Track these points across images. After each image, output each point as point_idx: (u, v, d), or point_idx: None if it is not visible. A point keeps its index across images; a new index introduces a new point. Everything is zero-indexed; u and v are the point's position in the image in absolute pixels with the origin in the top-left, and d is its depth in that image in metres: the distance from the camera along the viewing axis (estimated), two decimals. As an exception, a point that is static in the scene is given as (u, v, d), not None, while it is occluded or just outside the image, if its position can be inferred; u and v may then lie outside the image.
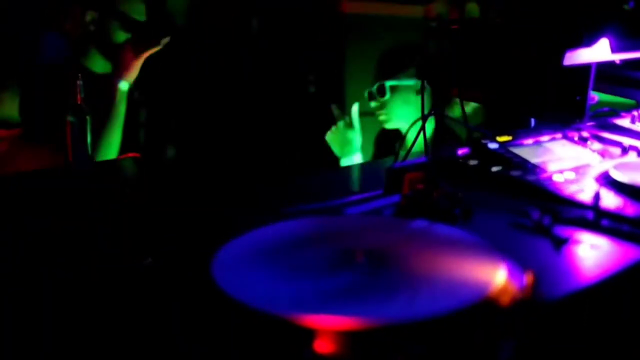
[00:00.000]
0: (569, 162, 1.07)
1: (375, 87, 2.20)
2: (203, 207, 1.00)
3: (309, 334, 0.59)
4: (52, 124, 1.72)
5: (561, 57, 1.08)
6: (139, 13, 2.08)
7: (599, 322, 0.76)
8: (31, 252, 0.83)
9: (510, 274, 0.69)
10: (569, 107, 1.17)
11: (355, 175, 1.44)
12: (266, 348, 0.60)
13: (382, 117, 2.22)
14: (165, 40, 2.01)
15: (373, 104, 2.22)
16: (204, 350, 0.60)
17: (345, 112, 2.27)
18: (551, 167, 1.04)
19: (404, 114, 2.23)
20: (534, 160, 1.06)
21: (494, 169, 1.03)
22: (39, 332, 0.63)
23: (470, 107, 1.79)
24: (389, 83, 2.19)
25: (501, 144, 1.11)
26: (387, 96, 2.19)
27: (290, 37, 3.36)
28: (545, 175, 1.01)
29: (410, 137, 2.31)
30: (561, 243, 0.82)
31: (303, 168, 2.77)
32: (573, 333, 0.73)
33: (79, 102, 1.31)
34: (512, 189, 0.99)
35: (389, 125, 2.25)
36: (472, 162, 1.06)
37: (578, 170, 1.04)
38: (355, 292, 0.67)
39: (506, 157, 1.07)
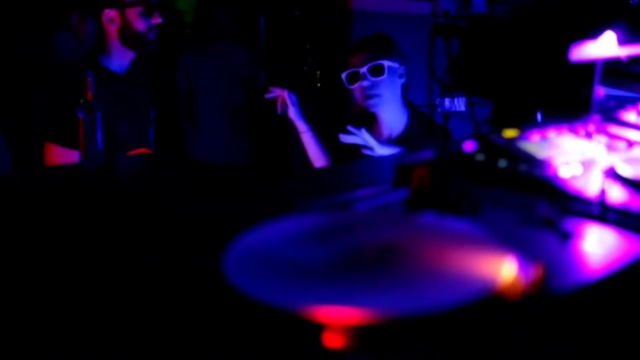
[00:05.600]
0: (576, 157, 1.08)
1: (367, 68, 2.20)
2: (214, 202, 1.01)
3: (318, 328, 0.60)
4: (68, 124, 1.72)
5: (567, 51, 1.09)
6: None
7: (608, 315, 0.77)
8: (38, 249, 0.84)
9: (519, 267, 0.70)
10: (575, 101, 1.17)
11: (363, 169, 1.45)
12: (276, 342, 0.60)
13: (372, 100, 2.23)
14: None
15: (364, 84, 2.22)
16: (214, 344, 0.61)
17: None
18: (558, 162, 1.05)
19: (390, 97, 2.24)
20: (540, 154, 1.07)
21: (501, 164, 1.04)
22: (45, 332, 0.64)
23: None
24: (387, 63, 2.20)
25: (508, 139, 1.12)
26: (384, 76, 2.19)
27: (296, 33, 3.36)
28: (551, 169, 1.02)
29: (386, 122, 2.31)
30: (568, 237, 0.82)
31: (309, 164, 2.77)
32: (583, 326, 0.74)
33: (89, 99, 1.33)
34: (519, 184, 0.99)
35: (375, 108, 2.26)
36: (479, 157, 1.06)
37: (584, 164, 1.05)
38: (364, 285, 0.67)
39: (513, 152, 1.07)
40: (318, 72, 3.12)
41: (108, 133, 1.88)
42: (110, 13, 2.09)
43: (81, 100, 1.32)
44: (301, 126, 2.34)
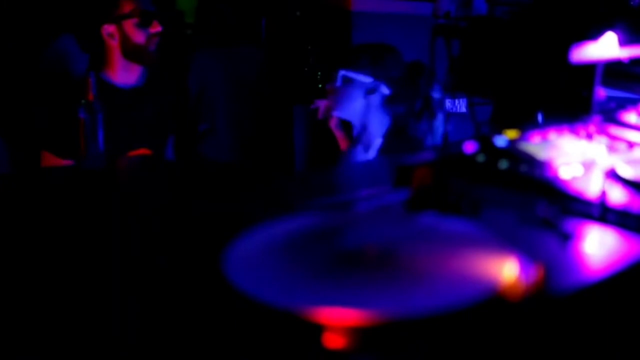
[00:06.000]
0: (576, 158, 1.08)
1: (337, 73, 2.29)
2: (215, 202, 1.01)
3: (319, 329, 0.60)
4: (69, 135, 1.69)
5: (568, 52, 1.09)
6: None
7: (608, 316, 0.77)
8: (38, 249, 0.84)
9: (520, 268, 0.70)
10: (576, 102, 1.17)
11: (363, 170, 1.45)
12: (277, 342, 0.60)
13: (331, 103, 2.32)
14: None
15: (327, 86, 2.32)
16: (214, 344, 0.61)
17: None
18: (558, 163, 1.05)
19: (347, 108, 2.31)
20: (541, 155, 1.07)
21: (502, 165, 1.04)
22: (45, 331, 0.64)
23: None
24: (342, 73, 2.28)
25: (509, 140, 1.12)
26: (340, 83, 2.28)
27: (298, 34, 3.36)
28: (552, 170, 1.02)
29: (365, 130, 2.36)
30: (568, 238, 0.82)
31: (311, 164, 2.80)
32: (583, 327, 0.74)
33: (90, 100, 1.33)
34: (520, 185, 0.99)
35: (334, 113, 2.36)
36: (480, 159, 1.06)
37: (585, 165, 1.05)
38: (365, 286, 0.67)
39: (513, 153, 1.07)
40: (319, 73, 3.13)
41: (116, 150, 1.87)
42: (109, 28, 2.06)
43: (82, 101, 1.32)
44: (339, 134, 2.44)
